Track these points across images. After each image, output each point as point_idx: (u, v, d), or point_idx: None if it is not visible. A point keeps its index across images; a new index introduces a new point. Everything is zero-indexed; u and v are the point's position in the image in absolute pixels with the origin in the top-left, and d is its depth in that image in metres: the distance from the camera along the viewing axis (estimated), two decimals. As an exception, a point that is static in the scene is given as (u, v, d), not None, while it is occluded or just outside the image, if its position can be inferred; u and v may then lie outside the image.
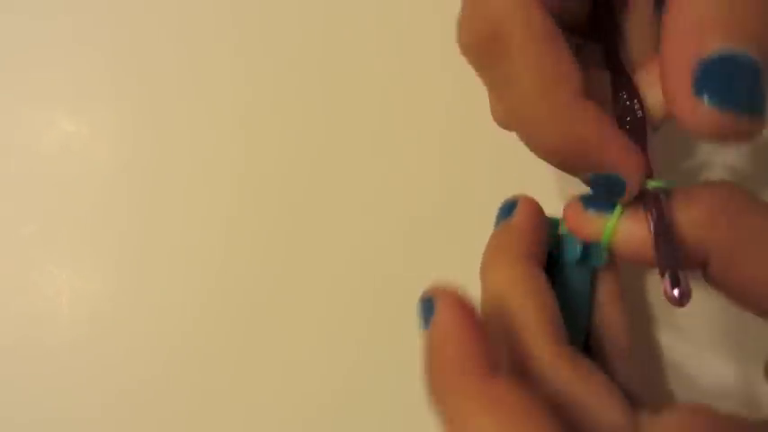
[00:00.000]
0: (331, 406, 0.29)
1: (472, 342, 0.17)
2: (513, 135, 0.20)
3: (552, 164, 0.19)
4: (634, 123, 0.20)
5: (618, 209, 0.20)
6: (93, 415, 0.30)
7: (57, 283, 0.31)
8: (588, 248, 0.22)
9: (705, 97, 0.15)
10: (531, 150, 0.19)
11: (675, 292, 0.18)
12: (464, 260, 0.26)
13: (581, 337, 0.23)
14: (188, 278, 0.31)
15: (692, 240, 0.19)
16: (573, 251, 0.22)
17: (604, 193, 0.19)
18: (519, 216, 0.22)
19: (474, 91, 0.28)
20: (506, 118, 0.22)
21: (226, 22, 0.32)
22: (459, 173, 0.30)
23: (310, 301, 0.30)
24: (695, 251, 0.19)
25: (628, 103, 0.20)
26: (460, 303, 0.18)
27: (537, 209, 0.23)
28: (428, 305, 0.19)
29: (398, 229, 0.30)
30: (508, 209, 0.23)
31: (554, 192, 0.29)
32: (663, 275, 0.18)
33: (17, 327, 0.31)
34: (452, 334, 0.17)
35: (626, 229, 0.20)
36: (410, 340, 0.29)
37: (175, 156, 0.32)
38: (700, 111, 0.15)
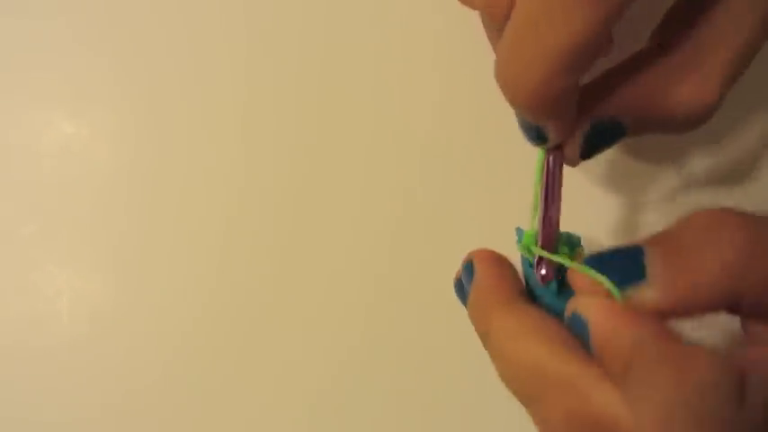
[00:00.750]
0: (328, 405, 0.29)
1: (504, 279, 0.22)
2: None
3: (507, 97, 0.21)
4: None
5: None
6: (93, 415, 0.30)
7: (57, 284, 0.31)
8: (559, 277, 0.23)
9: None
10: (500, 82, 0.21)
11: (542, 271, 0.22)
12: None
13: None
14: (187, 278, 0.31)
15: (721, 288, 0.18)
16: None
17: (533, 137, 0.22)
18: (479, 274, 0.23)
19: (469, 91, 0.29)
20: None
21: (227, 23, 0.32)
22: (453, 175, 0.30)
23: (310, 301, 0.30)
24: (725, 299, 0.18)
25: None
26: (494, 255, 0.23)
27: (492, 259, 0.23)
28: (469, 267, 0.23)
29: (394, 230, 0.30)
30: (468, 271, 0.24)
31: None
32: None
33: (17, 327, 0.31)
34: (490, 275, 0.22)
35: None
36: (406, 339, 0.29)
37: (175, 156, 0.32)
38: None
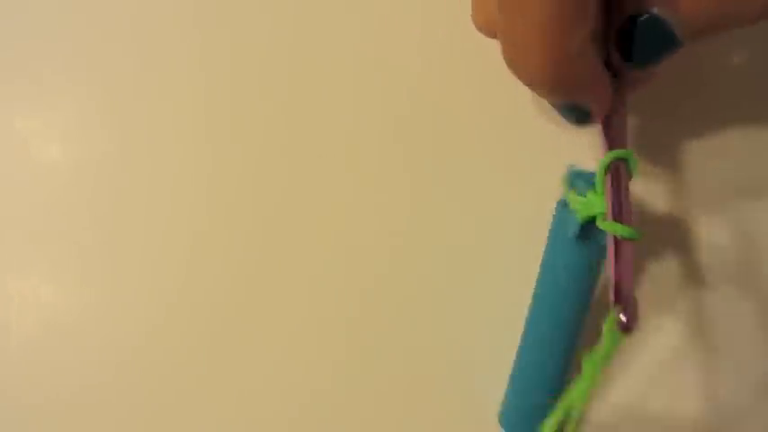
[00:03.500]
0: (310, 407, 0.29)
1: None
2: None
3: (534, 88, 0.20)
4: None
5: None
6: (43, 426, 0.29)
7: (7, 290, 0.30)
8: (588, 227, 0.22)
9: None
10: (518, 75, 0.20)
11: (623, 317, 0.19)
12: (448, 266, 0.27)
13: (581, 316, 0.23)
14: (142, 283, 0.30)
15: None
16: (572, 227, 0.22)
17: (574, 119, 0.20)
18: None
19: (461, 93, 0.29)
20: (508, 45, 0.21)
21: (188, 18, 0.31)
22: (437, 178, 0.30)
23: (277, 306, 0.30)
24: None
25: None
26: None
27: None
28: None
29: (377, 230, 0.30)
30: None
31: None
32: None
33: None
34: None
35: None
36: (391, 340, 0.29)
37: (131, 157, 0.31)
38: None
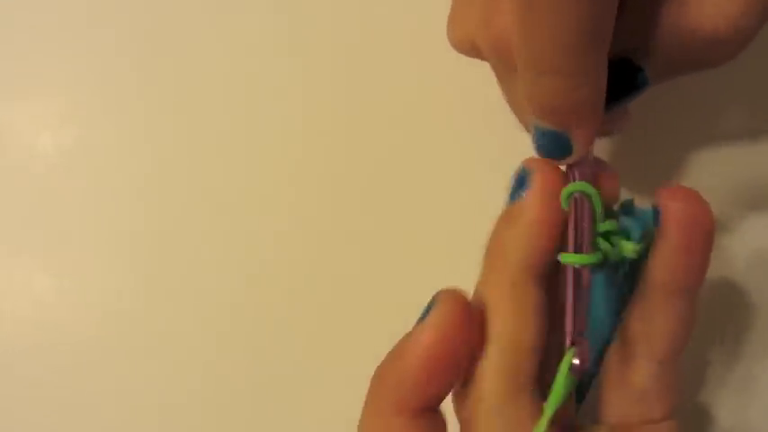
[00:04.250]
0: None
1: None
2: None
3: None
4: None
5: None
6: (38, 415, 0.29)
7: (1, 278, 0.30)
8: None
9: None
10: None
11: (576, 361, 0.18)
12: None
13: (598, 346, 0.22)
14: (139, 274, 0.30)
15: None
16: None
17: (551, 150, 0.20)
18: (532, 199, 0.20)
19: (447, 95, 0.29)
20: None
21: (186, 9, 0.31)
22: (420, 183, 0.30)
23: (277, 306, 0.30)
24: None
25: None
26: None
27: (556, 182, 0.20)
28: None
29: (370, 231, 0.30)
30: (521, 181, 0.20)
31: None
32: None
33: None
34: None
35: None
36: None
37: (123, 145, 0.31)
38: None
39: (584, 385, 0.22)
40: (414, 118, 0.30)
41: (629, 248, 0.19)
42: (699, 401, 0.28)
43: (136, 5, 0.31)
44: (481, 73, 0.23)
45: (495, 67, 0.22)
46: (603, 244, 0.19)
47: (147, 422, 0.29)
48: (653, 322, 0.20)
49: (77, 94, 0.31)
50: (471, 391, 0.19)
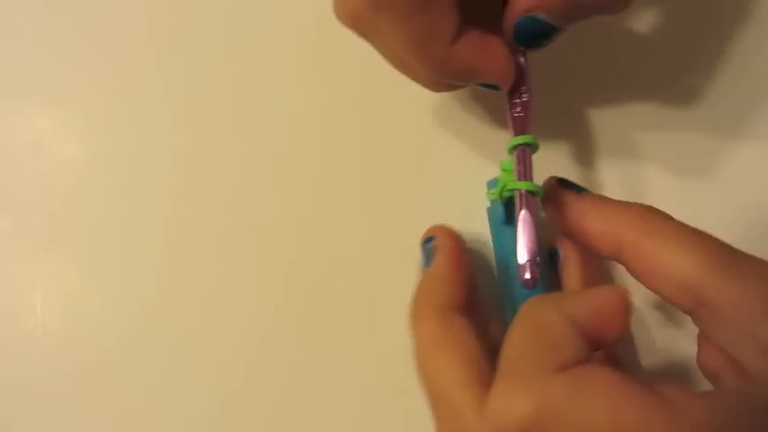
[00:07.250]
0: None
1: (452, 285, 0.24)
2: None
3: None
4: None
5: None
6: (66, 407, 0.30)
7: (31, 276, 0.31)
8: (510, 211, 0.26)
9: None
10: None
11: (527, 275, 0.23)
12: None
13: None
14: (162, 269, 0.31)
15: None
16: (497, 214, 0.26)
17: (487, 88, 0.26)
18: (439, 263, 0.25)
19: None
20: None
21: (201, 19, 0.33)
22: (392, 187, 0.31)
23: (279, 306, 0.31)
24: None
25: None
26: (455, 252, 0.25)
27: (456, 250, 0.25)
28: (429, 249, 0.26)
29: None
30: (428, 252, 0.26)
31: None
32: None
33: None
34: (439, 278, 0.25)
35: None
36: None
37: (146, 150, 0.32)
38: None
39: None
40: (414, 118, 0.31)
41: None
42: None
43: (157, 17, 0.33)
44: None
45: (368, 37, 0.25)
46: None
47: (174, 415, 0.30)
48: None
49: (100, 105, 0.33)
50: None
